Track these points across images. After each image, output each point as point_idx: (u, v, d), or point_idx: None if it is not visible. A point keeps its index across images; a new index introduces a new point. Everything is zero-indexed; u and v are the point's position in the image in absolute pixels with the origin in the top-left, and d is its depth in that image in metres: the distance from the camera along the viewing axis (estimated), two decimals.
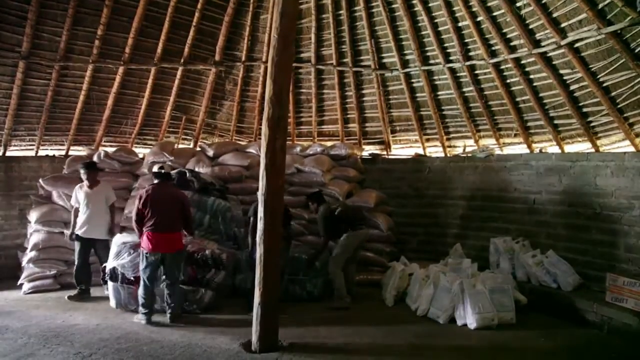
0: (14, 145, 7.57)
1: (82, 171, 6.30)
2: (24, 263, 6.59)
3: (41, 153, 7.76)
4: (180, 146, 8.67)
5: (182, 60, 8.17)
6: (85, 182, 6.32)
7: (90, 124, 8.04)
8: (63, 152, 7.90)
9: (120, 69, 7.78)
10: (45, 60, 7.25)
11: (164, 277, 5.37)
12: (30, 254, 6.53)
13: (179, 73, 8.27)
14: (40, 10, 6.89)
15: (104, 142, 8.22)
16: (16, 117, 7.36)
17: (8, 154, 7.49)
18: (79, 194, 6.30)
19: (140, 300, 5.33)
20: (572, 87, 6.40)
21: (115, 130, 8.29)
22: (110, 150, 7.72)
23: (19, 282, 6.45)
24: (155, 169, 5.83)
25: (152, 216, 5.30)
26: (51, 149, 7.90)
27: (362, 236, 6.38)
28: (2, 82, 7.13)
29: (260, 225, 4.57)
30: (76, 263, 6.22)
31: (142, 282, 5.33)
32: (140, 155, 7.95)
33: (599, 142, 6.43)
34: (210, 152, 7.96)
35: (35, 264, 6.50)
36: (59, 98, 7.64)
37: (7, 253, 7.14)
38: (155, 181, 5.61)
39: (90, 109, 7.91)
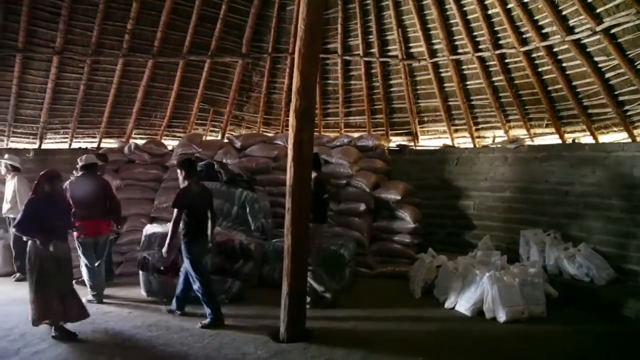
0: (49, 138, 7.80)
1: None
2: None
3: (74, 145, 7.96)
4: (208, 138, 8.77)
5: (209, 53, 8.25)
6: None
7: (120, 116, 8.21)
8: (95, 145, 8.09)
9: (150, 62, 7.90)
10: (77, 55, 7.42)
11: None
12: None
13: (206, 65, 8.34)
14: (73, 6, 7.05)
15: (134, 134, 8.38)
16: (51, 110, 7.58)
17: (43, 146, 7.72)
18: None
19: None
20: (607, 75, 6.19)
21: (145, 122, 8.45)
22: (140, 142, 7.88)
23: None
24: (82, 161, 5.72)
25: (77, 207, 5.31)
26: (84, 142, 8.10)
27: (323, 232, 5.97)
28: (38, 77, 7.34)
29: (287, 216, 4.60)
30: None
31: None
32: (169, 147, 8.10)
33: (636, 132, 6.21)
34: (238, 144, 8.05)
35: None
36: (91, 92, 7.81)
37: None
38: (80, 172, 5.69)
39: (121, 102, 8.08)
